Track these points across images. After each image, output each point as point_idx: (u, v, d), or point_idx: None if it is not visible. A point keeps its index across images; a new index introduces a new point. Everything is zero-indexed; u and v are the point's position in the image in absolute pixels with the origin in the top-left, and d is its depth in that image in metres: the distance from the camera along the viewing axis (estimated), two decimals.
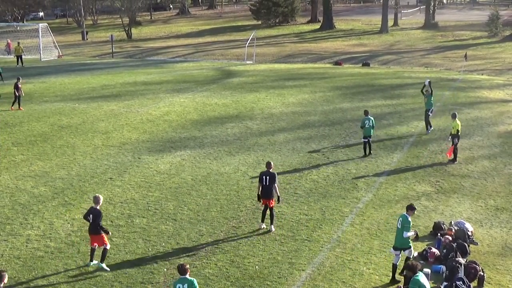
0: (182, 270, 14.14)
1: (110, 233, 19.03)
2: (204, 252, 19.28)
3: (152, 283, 17.41)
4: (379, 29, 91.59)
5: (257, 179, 21.27)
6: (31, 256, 19.07)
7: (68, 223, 21.55)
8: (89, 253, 18.52)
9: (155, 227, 21.14)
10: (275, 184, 20.46)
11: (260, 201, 20.76)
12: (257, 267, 18.31)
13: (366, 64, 63.04)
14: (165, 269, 18.21)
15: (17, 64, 64.16)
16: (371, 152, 29.23)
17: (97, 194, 18.87)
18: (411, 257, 17.65)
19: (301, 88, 46.86)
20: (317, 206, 23.00)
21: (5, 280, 14.29)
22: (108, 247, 18.29)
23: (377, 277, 17.87)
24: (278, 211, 22.11)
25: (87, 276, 17.96)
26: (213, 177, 26.28)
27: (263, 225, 20.90)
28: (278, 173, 22.08)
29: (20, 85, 40.04)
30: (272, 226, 20.77)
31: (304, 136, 32.76)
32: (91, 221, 17.98)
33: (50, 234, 20.65)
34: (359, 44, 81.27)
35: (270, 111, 38.99)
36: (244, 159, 28.68)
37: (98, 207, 18.12)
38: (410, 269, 14.78)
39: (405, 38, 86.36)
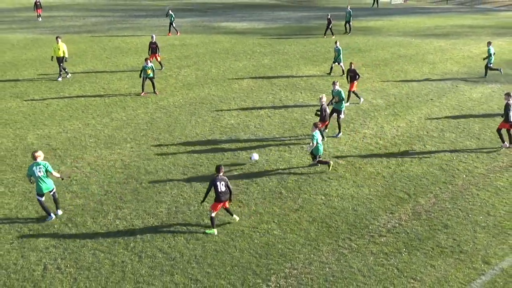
0: None
1: None
2: (498, 167, 18.74)
3: (452, 183, 17.51)
4: None
5: None
6: (365, 148, 20.38)
7: (394, 128, 22.43)
8: None
9: (461, 142, 20.98)
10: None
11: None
12: None
13: None
14: (464, 175, 18.14)
15: (372, 5, 66.69)
16: None
17: None
18: None
19: None
20: None
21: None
22: None
23: None
24: None
25: (401, 168, 18.81)
26: None
27: None
28: None
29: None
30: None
31: None
32: None
33: (380, 134, 21.73)
34: None
35: None
36: None
37: None
38: None
39: None
